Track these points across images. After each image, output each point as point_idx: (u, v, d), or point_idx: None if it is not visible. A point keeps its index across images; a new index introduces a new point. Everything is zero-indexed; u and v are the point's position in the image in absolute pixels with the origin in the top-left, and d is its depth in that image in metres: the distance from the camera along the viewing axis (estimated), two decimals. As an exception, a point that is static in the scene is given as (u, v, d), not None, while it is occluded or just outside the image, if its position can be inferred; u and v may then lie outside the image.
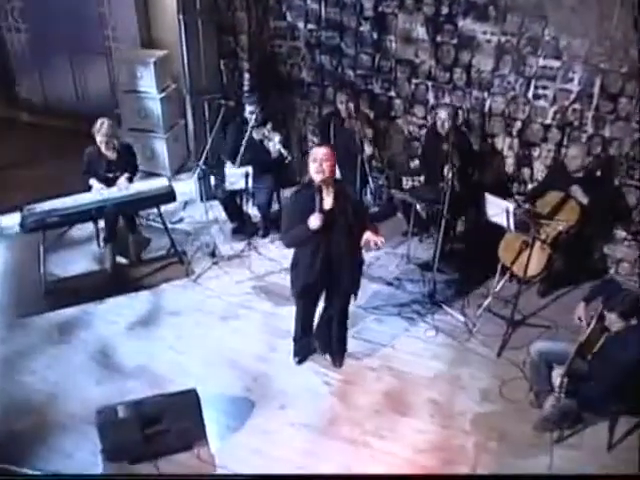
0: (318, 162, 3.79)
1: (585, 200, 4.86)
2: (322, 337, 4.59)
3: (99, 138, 5.05)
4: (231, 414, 4.20)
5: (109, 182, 5.17)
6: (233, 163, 5.32)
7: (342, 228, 3.90)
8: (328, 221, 3.82)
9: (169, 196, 5.19)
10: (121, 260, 5.52)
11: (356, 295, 4.32)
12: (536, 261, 4.68)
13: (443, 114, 5.29)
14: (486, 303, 4.95)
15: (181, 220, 6.08)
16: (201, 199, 6.19)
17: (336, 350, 4.58)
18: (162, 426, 3.77)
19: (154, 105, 6.31)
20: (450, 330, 4.90)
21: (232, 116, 5.55)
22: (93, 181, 5.15)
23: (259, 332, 4.89)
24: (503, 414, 4.21)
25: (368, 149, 5.55)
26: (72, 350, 4.66)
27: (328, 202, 3.87)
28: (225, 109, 5.14)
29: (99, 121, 5.06)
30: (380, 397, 4.37)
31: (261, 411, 4.23)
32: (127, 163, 5.28)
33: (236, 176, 5.06)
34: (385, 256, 5.67)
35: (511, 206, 4.48)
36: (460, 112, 5.55)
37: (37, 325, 4.87)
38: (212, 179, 6.17)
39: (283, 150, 5.45)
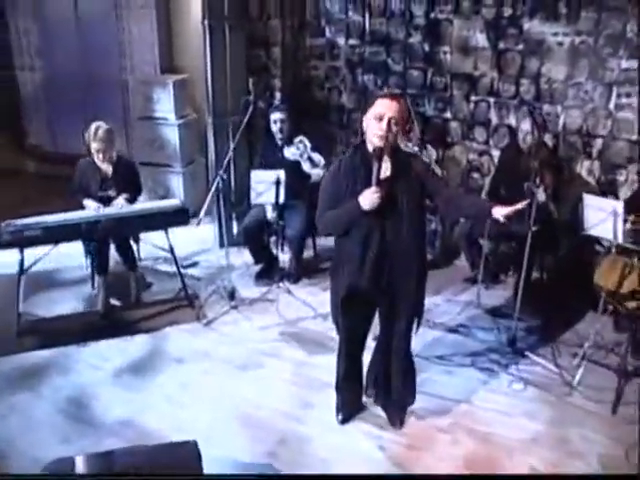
0: (386, 122, 2.77)
1: None
2: (374, 379, 3.43)
3: (95, 145, 4.20)
4: (248, 486, 2.97)
5: (103, 202, 4.26)
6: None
7: (403, 211, 2.86)
8: (385, 199, 2.79)
9: (181, 215, 4.21)
10: (116, 303, 4.48)
11: (420, 320, 3.17)
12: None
13: (526, 125, 4.34)
14: (585, 350, 3.75)
15: (195, 264, 5.08)
16: (221, 246, 5.24)
17: (395, 404, 3.37)
18: (144, 490, 2.53)
19: (171, 133, 5.54)
20: (542, 383, 3.69)
21: (260, 129, 4.71)
22: (87, 201, 4.25)
23: (288, 384, 3.70)
24: (639, 490, 2.91)
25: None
26: (38, 399, 3.51)
27: (386, 170, 2.85)
28: (253, 110, 4.23)
29: (94, 125, 4.22)
30: (459, 464, 3.09)
31: (291, 483, 2.99)
32: (127, 181, 4.37)
33: (265, 183, 4.00)
34: (446, 303, 4.57)
35: (620, 206, 3.42)
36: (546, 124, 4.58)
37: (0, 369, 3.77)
38: (234, 224, 5.29)
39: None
